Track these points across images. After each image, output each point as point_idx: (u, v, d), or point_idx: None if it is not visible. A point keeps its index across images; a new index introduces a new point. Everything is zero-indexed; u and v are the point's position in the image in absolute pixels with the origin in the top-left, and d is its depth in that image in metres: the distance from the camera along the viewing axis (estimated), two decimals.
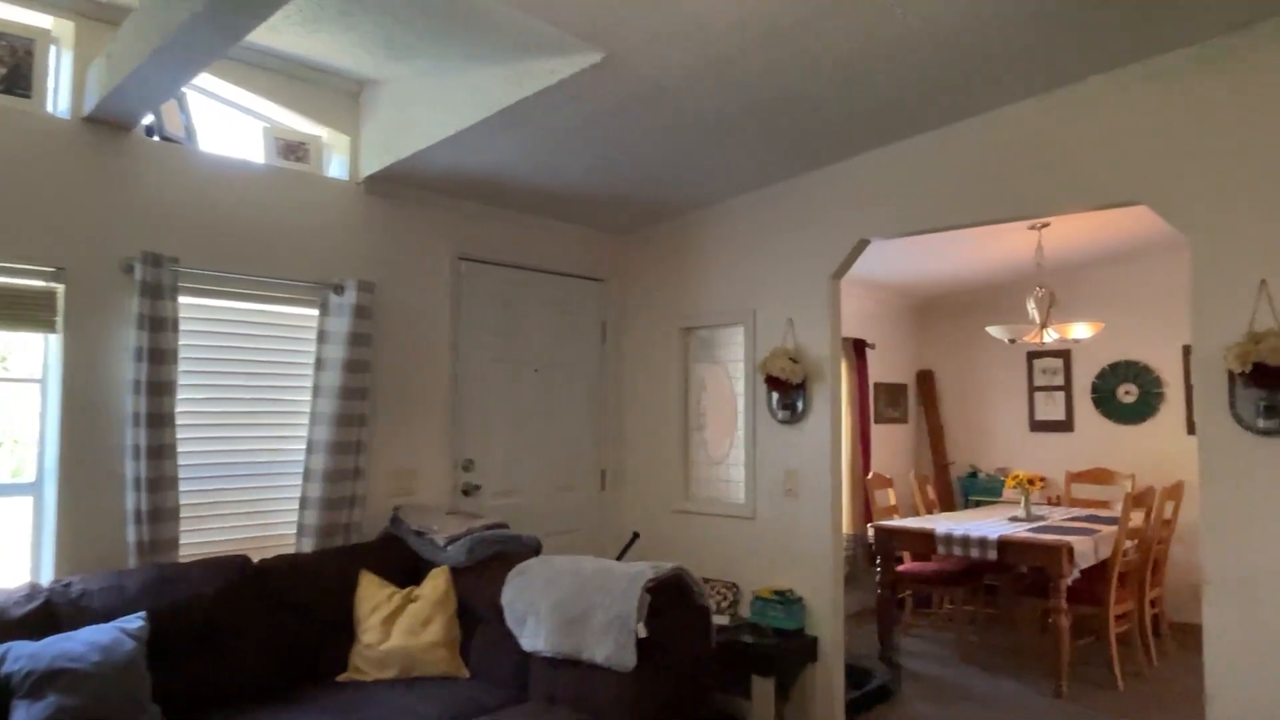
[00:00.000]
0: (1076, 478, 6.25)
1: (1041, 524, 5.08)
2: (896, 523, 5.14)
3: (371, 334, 3.69)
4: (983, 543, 4.63)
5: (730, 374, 4.42)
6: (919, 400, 7.45)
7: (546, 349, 4.51)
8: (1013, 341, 4.98)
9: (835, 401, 3.98)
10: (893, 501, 5.91)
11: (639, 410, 4.77)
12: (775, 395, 4.08)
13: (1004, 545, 4.57)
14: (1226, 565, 2.89)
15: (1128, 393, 6.35)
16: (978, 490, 6.87)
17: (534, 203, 4.24)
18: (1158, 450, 6.17)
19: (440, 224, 4.06)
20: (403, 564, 3.53)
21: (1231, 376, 2.83)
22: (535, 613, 2.95)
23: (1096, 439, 6.47)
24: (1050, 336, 5.10)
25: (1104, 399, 6.44)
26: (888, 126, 3.58)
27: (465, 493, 4.06)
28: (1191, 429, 6.02)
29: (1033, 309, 5.08)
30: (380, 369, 3.77)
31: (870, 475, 5.74)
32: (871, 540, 5.17)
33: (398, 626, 3.14)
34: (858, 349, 6.56)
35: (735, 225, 4.34)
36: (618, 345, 4.87)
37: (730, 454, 4.38)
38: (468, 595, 3.30)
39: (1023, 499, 5.33)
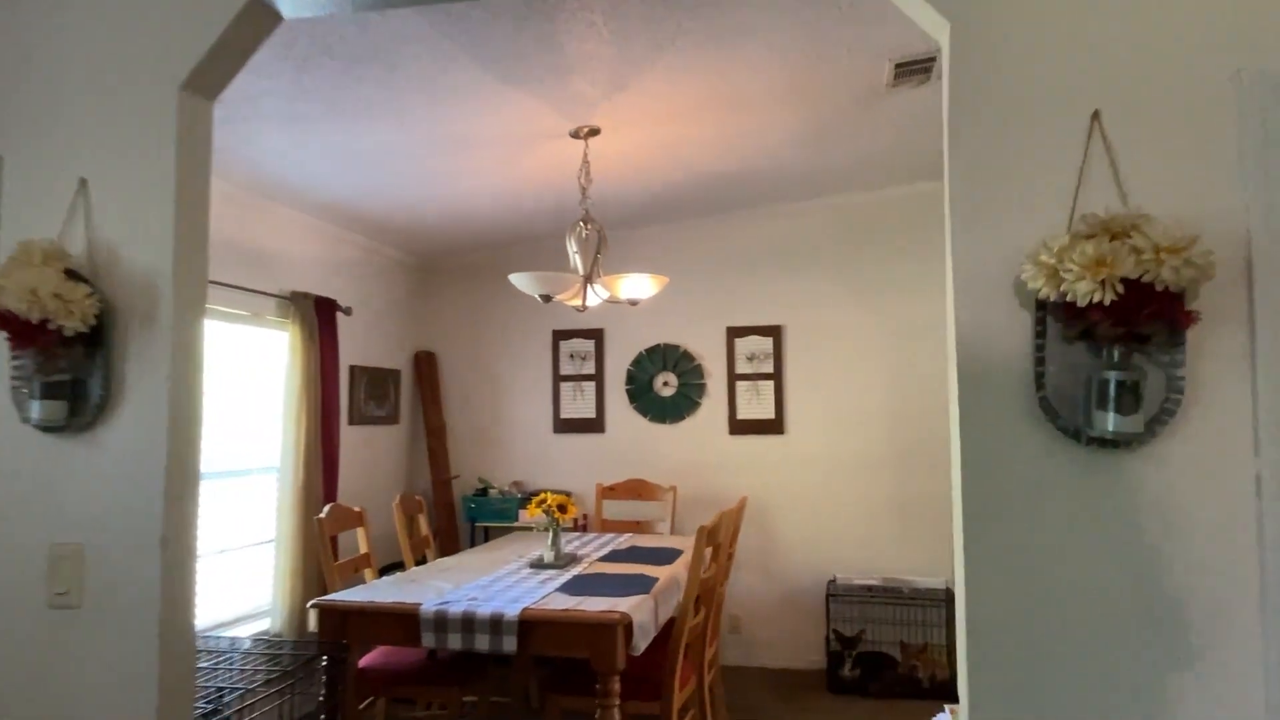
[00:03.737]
0: (609, 492, 4.84)
1: (576, 572, 3.43)
2: (355, 599, 3.02)
3: None
4: (495, 624, 2.76)
5: None
6: (416, 392, 5.47)
7: None
8: (546, 299, 3.25)
9: (185, 372, 1.71)
10: (364, 549, 3.80)
11: None
12: (25, 362, 1.67)
13: (528, 628, 2.77)
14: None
15: (666, 384, 5.15)
16: (489, 514, 5.12)
17: None
18: (699, 455, 5.05)
19: None
20: None
21: (1044, 319, 1.27)
22: None
23: (631, 442, 5.17)
24: (598, 297, 3.48)
25: (640, 391, 5.17)
26: None
27: None
28: (736, 429, 4.99)
29: (575, 251, 3.41)
30: None
31: (325, 511, 3.54)
32: (315, 629, 2.99)
33: None
34: (323, 312, 4.32)
35: None
36: None
37: None
38: None
39: (550, 533, 3.64)
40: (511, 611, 2.77)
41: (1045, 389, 1.27)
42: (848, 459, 4.82)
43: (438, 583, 3.23)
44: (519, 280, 3.21)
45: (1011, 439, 1.28)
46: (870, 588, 4.55)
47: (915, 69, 3.16)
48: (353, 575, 3.68)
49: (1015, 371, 1.29)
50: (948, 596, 4.44)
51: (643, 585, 3.14)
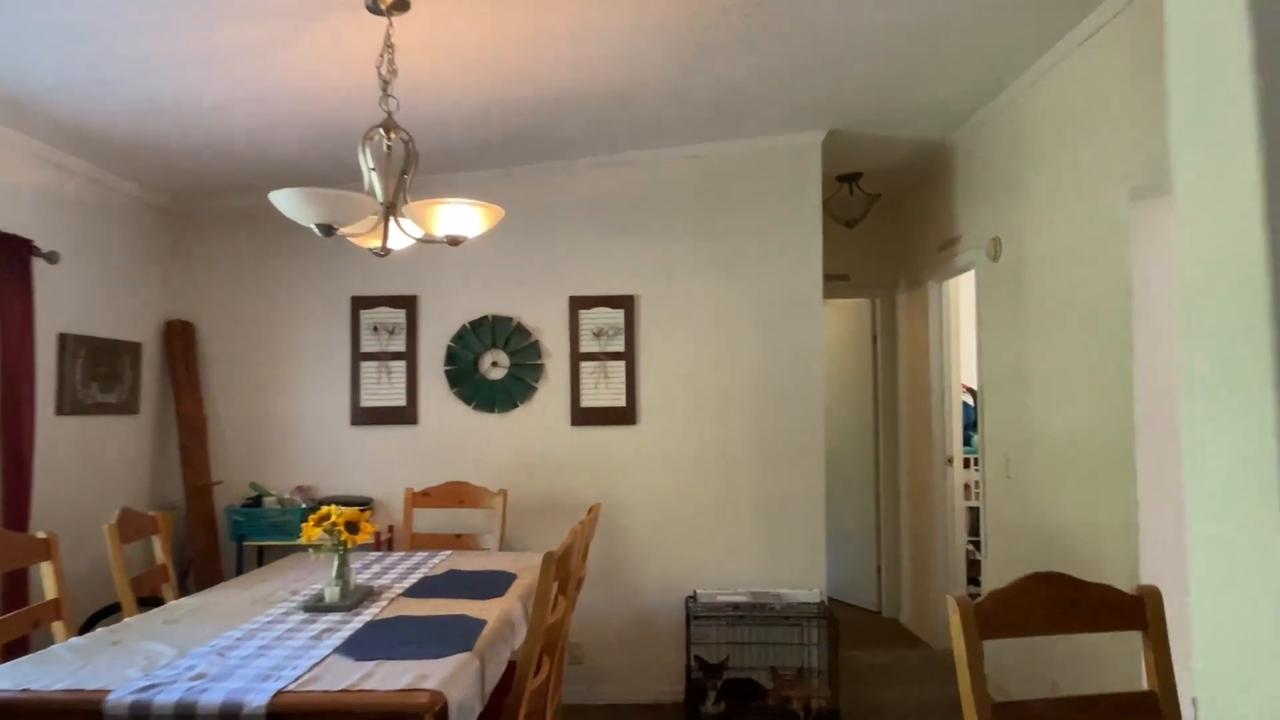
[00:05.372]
0: (422, 499, 3.87)
1: (370, 617, 2.47)
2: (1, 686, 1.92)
3: None
4: (231, 716, 1.77)
5: None
6: (165, 373, 4.24)
7: None
8: (327, 232, 2.26)
9: None
10: (53, 593, 2.62)
11: None
12: None
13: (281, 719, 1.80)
14: None
15: (495, 365, 4.23)
16: (262, 530, 3.99)
17: None
18: (535, 451, 4.17)
19: None
20: None
21: None
22: None
23: (451, 435, 4.21)
24: (406, 236, 2.52)
25: (463, 374, 4.22)
26: None
27: None
28: (580, 418, 4.16)
29: (371, 169, 2.44)
30: None
31: None
32: None
33: None
34: (8, 256, 3.07)
35: None
36: None
37: None
38: None
39: (336, 562, 2.65)
40: (256, 699, 1.79)
41: None
42: (710, 454, 4.12)
43: (154, 645, 2.17)
44: (284, 201, 2.20)
45: None
46: (737, 605, 3.86)
47: None
48: (34, 633, 2.52)
49: None
50: (822, 611, 3.84)
51: (464, 635, 2.24)
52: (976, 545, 5.12)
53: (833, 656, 3.77)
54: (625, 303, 4.19)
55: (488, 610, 2.51)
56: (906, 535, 5.46)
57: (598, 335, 4.19)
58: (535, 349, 4.20)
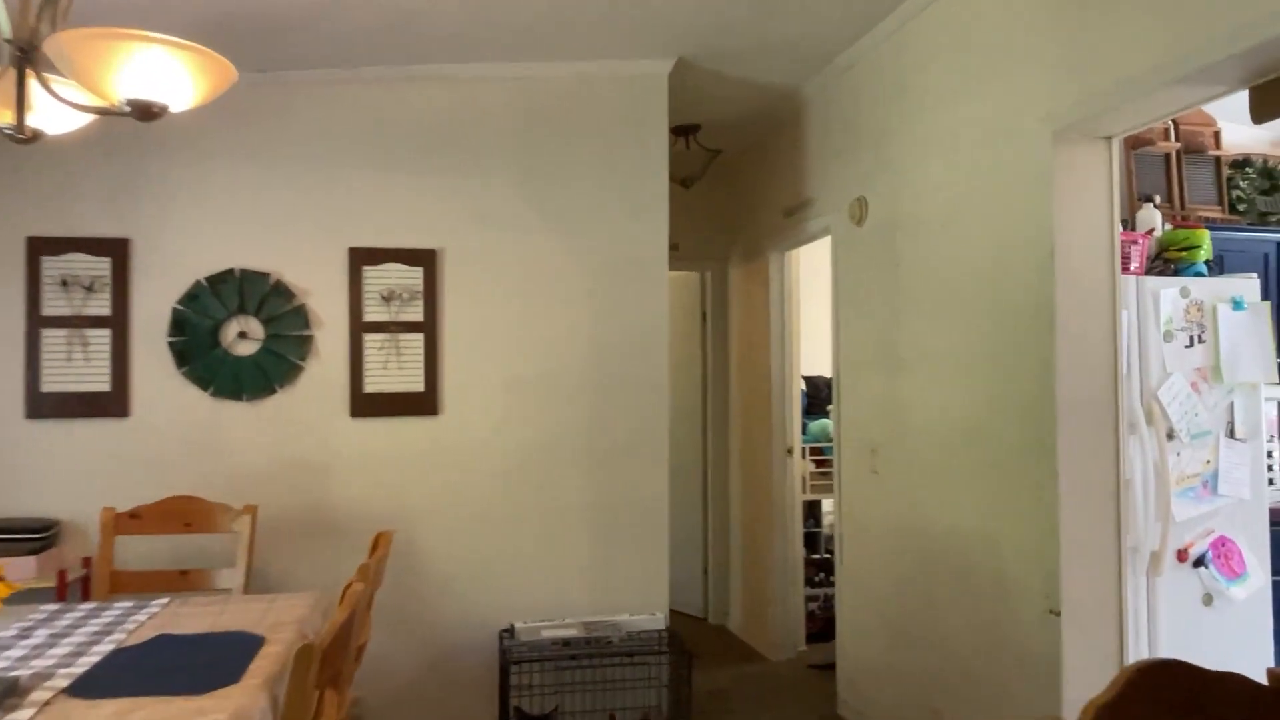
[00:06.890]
0: (131, 522, 2.75)
1: None
2: None
3: None
4: None
5: None
6: None
7: None
8: None
9: None
10: None
11: None
12: None
13: None
14: None
15: (245, 336, 3.17)
16: None
17: None
18: (299, 451, 3.16)
19: None
20: None
21: None
22: None
23: (178, 432, 3.10)
24: (65, 111, 1.50)
25: (197, 347, 3.11)
26: None
27: None
28: (362, 407, 3.22)
29: None
30: None
31: None
32: None
33: None
34: None
35: None
36: None
37: None
38: None
39: None
40: None
41: None
42: (531, 451, 3.32)
43: None
44: None
45: None
46: (566, 640, 3.10)
47: None
48: None
49: None
50: (669, 640, 3.17)
51: None
52: (809, 544, 4.71)
53: (683, 695, 3.11)
54: (424, 259, 3.27)
55: (212, 715, 1.56)
56: (737, 533, 4.96)
57: (388, 300, 3.25)
58: (301, 316, 3.18)
